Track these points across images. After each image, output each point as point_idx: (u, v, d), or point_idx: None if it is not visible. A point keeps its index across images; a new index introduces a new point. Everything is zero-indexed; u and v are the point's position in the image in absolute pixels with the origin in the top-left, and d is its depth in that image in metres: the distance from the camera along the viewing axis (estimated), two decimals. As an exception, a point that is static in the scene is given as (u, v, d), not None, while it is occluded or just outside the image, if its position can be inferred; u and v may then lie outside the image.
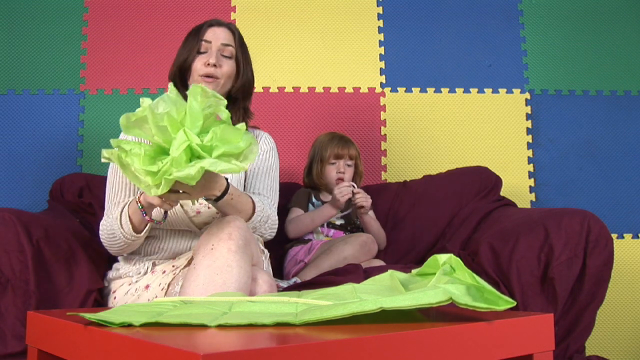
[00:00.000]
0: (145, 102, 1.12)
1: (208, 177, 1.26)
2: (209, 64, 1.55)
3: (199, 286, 1.16)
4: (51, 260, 1.42)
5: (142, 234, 1.39)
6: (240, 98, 1.65)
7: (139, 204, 1.33)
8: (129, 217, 1.36)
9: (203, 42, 1.58)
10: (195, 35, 1.60)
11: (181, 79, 1.61)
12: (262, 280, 1.31)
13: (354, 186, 2.00)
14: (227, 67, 1.58)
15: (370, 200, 2.00)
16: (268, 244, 1.69)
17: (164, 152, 1.13)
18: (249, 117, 1.68)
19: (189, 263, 1.40)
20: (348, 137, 2.15)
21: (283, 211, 2.08)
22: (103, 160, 1.16)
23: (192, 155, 1.11)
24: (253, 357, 0.62)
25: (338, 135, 2.14)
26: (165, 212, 1.38)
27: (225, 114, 1.17)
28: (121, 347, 0.73)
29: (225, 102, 1.17)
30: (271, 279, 1.37)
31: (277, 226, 1.57)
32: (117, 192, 1.48)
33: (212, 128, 1.12)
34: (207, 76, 1.55)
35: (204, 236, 1.29)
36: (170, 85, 1.16)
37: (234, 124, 1.63)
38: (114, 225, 1.39)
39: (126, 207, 1.38)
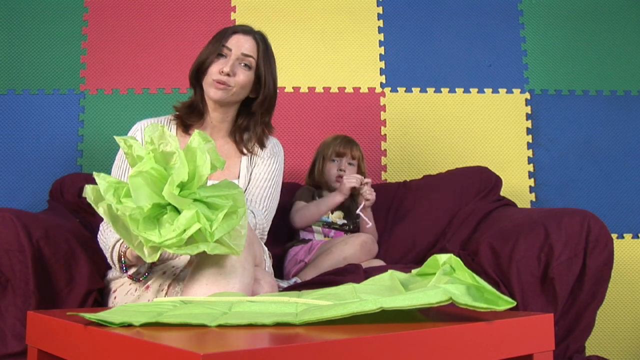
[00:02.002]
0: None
1: None
2: (222, 72, 1.54)
3: (202, 286, 1.16)
4: (51, 260, 1.42)
5: (129, 273, 1.39)
6: (259, 112, 1.63)
7: (123, 259, 1.34)
8: (119, 259, 1.36)
9: (224, 48, 1.57)
10: (220, 39, 1.58)
11: (197, 78, 1.61)
12: (264, 281, 1.31)
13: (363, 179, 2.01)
14: (243, 76, 1.56)
15: (375, 194, 2.01)
16: (269, 244, 1.69)
17: (160, 207, 1.07)
18: (270, 132, 1.68)
19: (189, 263, 1.40)
20: (352, 139, 2.17)
21: (286, 208, 2.09)
22: (84, 195, 1.08)
23: (194, 238, 1.06)
24: (253, 357, 0.62)
25: (342, 136, 2.18)
26: (151, 267, 1.39)
27: (220, 163, 1.10)
28: (121, 347, 0.73)
29: (214, 144, 1.11)
30: (273, 280, 1.37)
31: (266, 234, 1.58)
32: None
33: (217, 214, 1.06)
34: (219, 82, 1.54)
35: None
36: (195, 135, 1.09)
37: (252, 138, 1.64)
38: (106, 252, 1.40)
39: (118, 245, 1.36)
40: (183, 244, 1.05)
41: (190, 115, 1.63)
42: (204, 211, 1.05)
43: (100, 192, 1.06)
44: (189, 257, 1.45)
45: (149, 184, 1.05)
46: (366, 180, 2.00)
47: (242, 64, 1.57)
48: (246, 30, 1.62)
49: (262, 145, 1.66)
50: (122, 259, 1.35)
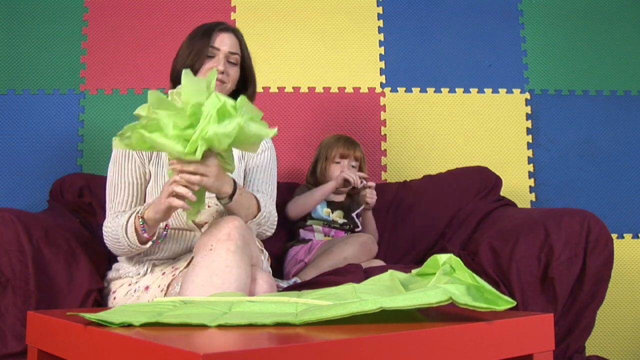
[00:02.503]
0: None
1: (220, 171, 1.29)
2: (217, 70, 1.55)
3: (197, 287, 1.16)
4: (51, 260, 1.42)
5: (147, 245, 1.40)
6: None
7: (141, 219, 1.35)
8: (135, 228, 1.37)
9: (212, 48, 1.58)
10: (204, 39, 1.59)
11: None
12: (262, 280, 1.31)
13: (366, 181, 2.01)
14: (234, 73, 1.61)
15: (375, 198, 2.01)
16: (268, 244, 1.69)
17: (189, 126, 1.17)
18: None
19: (189, 264, 1.40)
20: (354, 140, 2.17)
21: (284, 208, 2.09)
22: (115, 147, 1.19)
23: (224, 118, 1.16)
24: (253, 357, 0.62)
25: (345, 137, 2.17)
26: (166, 228, 1.41)
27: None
28: (121, 347, 0.73)
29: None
30: (271, 278, 1.37)
31: (276, 222, 1.59)
32: (118, 191, 1.48)
33: (239, 98, 1.20)
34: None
35: (203, 237, 1.29)
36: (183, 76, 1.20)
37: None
38: (119, 232, 1.40)
39: (132, 216, 1.38)
40: (217, 122, 1.14)
41: None
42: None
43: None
44: (188, 258, 1.45)
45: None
46: (370, 183, 2.01)
47: (230, 61, 1.61)
48: (226, 27, 1.64)
49: None
50: (141, 220, 1.36)
